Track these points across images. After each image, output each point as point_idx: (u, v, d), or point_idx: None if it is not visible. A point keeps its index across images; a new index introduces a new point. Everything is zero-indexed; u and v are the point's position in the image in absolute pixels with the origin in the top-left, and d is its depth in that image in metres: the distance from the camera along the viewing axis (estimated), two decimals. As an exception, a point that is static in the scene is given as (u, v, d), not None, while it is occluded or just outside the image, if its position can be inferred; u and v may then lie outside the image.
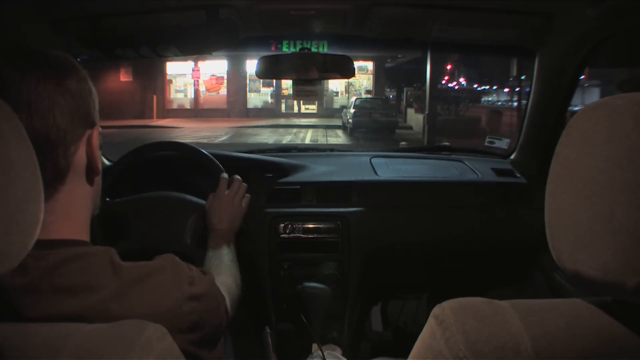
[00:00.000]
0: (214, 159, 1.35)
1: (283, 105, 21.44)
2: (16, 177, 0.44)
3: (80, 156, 0.69)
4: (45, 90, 0.63)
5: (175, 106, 21.42)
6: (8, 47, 0.66)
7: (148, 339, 0.49)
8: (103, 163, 1.09)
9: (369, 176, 1.73)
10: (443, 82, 20.66)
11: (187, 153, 1.39)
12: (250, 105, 21.19)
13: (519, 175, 1.77)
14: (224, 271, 1.06)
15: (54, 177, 0.65)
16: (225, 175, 1.28)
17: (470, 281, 1.89)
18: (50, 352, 0.46)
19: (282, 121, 19.03)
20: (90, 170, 0.71)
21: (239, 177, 1.30)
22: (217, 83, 21.19)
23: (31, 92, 0.62)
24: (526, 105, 1.70)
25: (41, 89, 0.63)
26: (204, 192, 1.27)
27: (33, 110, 0.61)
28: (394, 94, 23.67)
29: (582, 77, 1.63)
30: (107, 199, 1.27)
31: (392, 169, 1.81)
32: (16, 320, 0.57)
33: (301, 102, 19.51)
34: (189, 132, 15.78)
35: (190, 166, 1.47)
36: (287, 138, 15.23)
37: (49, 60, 0.65)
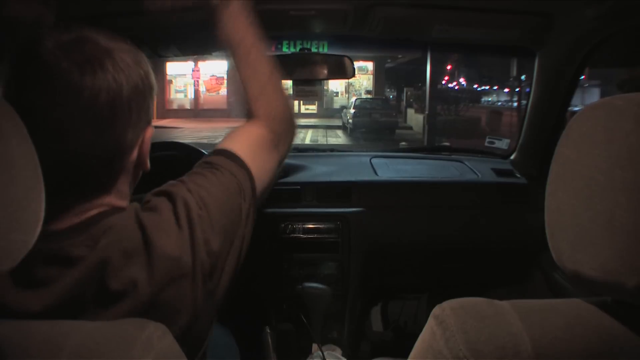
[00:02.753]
0: None
1: (283, 106, 21.38)
2: (17, 176, 0.44)
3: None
4: None
5: (175, 106, 21.41)
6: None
7: (149, 337, 0.49)
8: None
9: (369, 176, 1.73)
10: (443, 82, 20.66)
11: (187, 153, 1.39)
12: (250, 105, 21.11)
13: (519, 175, 1.77)
14: None
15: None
16: None
17: (470, 281, 1.89)
18: (52, 350, 0.46)
19: (282, 121, 18.97)
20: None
21: None
22: (217, 83, 21.18)
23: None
24: (526, 105, 1.70)
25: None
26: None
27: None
28: (394, 94, 23.67)
29: (582, 77, 1.63)
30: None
31: (392, 169, 1.81)
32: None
33: (301, 102, 19.50)
34: (189, 132, 15.77)
35: (190, 167, 1.47)
36: (287, 138, 15.20)
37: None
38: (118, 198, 0.69)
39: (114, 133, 0.64)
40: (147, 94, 0.68)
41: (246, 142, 0.85)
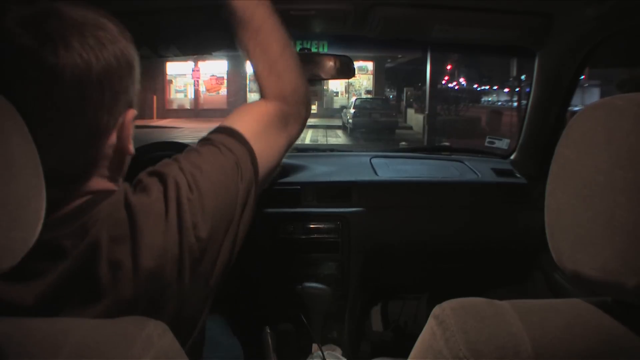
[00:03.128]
0: None
1: (283, 105, 21.41)
2: (18, 174, 0.44)
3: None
4: None
5: (175, 106, 21.42)
6: None
7: (149, 335, 0.49)
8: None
9: (369, 176, 1.73)
10: (443, 82, 20.67)
11: None
12: (250, 105, 21.13)
13: (519, 175, 1.77)
14: None
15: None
16: None
17: (470, 281, 1.89)
18: (51, 348, 0.46)
19: (282, 121, 18.98)
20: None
21: None
22: (217, 83, 21.19)
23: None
24: (526, 105, 1.70)
25: None
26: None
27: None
28: (394, 94, 23.68)
29: (582, 77, 1.63)
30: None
31: (392, 169, 1.81)
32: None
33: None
34: (189, 132, 15.76)
35: None
36: (286, 138, 15.19)
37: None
38: (104, 182, 0.66)
39: (84, 116, 0.60)
40: (123, 74, 0.63)
41: (251, 120, 0.80)
